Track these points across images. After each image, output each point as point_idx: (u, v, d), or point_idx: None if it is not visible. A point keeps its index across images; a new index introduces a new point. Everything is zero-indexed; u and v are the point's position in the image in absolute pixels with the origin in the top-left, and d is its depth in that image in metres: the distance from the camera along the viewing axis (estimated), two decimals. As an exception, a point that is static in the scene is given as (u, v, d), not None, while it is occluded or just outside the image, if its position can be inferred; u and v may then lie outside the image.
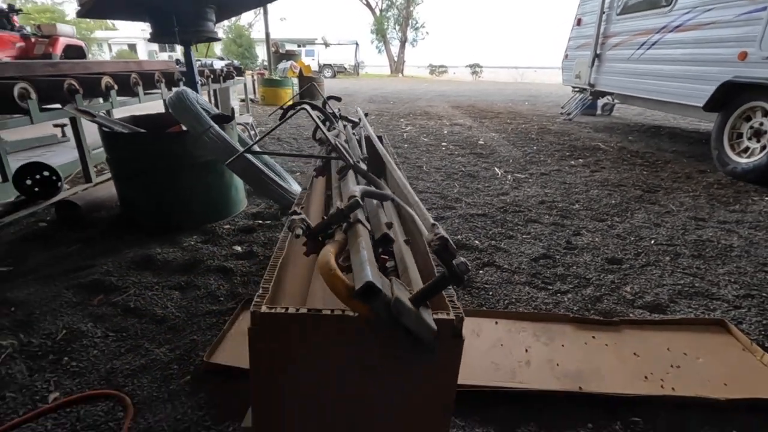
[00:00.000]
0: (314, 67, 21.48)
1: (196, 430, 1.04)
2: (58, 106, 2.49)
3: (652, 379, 1.22)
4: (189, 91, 2.20)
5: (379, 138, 1.82)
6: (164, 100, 3.91)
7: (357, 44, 30.02)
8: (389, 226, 0.79)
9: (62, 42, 5.82)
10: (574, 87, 6.68)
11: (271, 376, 0.66)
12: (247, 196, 2.65)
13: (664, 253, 2.07)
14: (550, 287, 1.75)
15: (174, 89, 2.15)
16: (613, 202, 2.81)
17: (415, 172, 3.48)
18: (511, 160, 3.95)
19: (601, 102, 7.13)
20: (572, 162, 3.93)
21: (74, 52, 6.01)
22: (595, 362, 1.29)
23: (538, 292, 1.72)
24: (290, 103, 1.80)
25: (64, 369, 1.23)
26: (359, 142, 1.60)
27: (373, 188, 0.87)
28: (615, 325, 1.46)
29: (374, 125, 5.82)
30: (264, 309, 0.63)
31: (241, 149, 2.19)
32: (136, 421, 1.07)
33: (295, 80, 9.27)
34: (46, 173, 2.48)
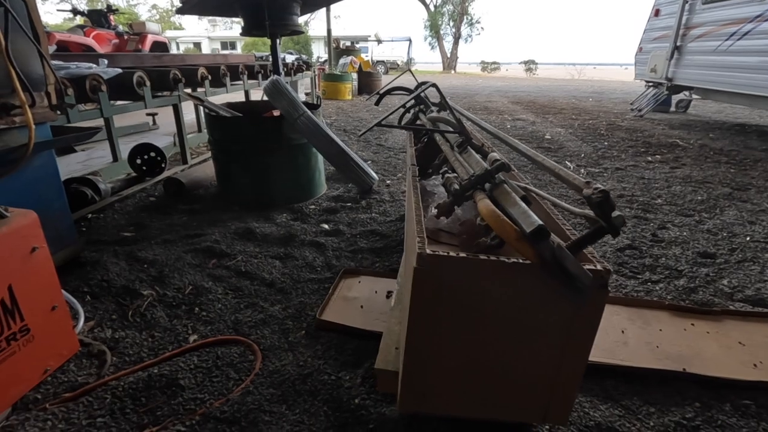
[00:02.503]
0: (368, 63, 21.77)
1: (318, 377, 1.16)
2: (165, 93, 2.76)
3: (762, 368, 1.20)
4: (281, 79, 2.37)
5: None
6: (245, 91, 4.18)
7: (410, 41, 30.00)
8: (525, 190, 0.85)
9: (150, 39, 6.36)
10: (648, 81, 6.34)
11: (428, 310, 0.74)
12: (325, 181, 2.79)
13: (763, 250, 1.97)
14: (639, 276, 1.73)
15: (269, 78, 2.32)
16: (699, 198, 2.68)
17: (483, 164, 3.49)
18: (582, 155, 3.85)
19: (676, 98, 6.71)
20: (648, 158, 3.76)
21: (159, 47, 6.54)
22: (697, 347, 1.28)
23: (626, 280, 1.71)
24: (391, 86, 1.90)
25: (197, 317, 1.40)
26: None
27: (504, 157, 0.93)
28: (715, 315, 1.44)
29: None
30: (428, 251, 0.71)
31: (330, 132, 2.33)
32: (265, 364, 1.21)
33: (355, 75, 9.47)
34: (152, 154, 2.76)
